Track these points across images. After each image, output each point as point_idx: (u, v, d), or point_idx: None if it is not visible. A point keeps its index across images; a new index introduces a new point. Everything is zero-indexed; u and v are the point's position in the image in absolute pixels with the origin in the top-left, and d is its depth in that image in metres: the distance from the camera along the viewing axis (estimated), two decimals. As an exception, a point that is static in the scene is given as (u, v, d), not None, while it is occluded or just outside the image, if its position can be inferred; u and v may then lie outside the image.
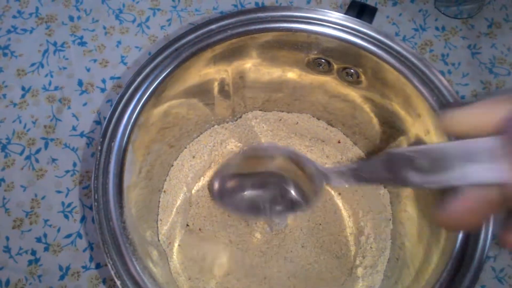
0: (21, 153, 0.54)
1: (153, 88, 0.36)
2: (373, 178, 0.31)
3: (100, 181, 0.33)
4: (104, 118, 0.55)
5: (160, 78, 0.36)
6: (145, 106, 0.35)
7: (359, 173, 0.32)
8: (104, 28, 0.60)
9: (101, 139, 0.34)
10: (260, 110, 0.50)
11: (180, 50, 0.36)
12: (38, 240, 0.51)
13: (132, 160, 0.35)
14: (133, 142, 0.35)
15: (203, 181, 0.49)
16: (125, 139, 0.34)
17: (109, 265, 0.31)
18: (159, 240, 0.44)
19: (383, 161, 0.27)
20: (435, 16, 0.60)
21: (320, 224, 0.47)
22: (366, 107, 0.43)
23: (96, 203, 0.33)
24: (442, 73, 0.56)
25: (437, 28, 0.59)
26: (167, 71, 0.36)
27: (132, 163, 0.35)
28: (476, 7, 0.59)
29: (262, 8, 0.38)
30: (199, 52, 0.37)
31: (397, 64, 0.35)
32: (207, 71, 0.40)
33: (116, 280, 0.31)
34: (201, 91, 0.42)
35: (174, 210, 0.47)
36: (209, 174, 0.50)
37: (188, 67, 0.37)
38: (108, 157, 0.34)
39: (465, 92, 0.56)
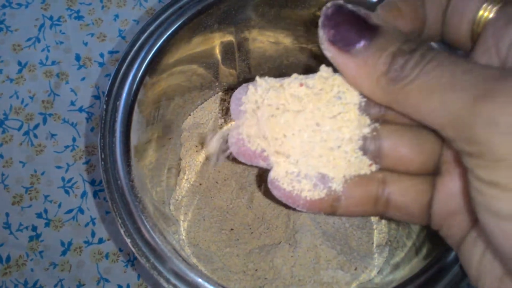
0: (19, 129, 0.53)
1: (158, 47, 0.35)
2: None
3: (107, 140, 0.32)
4: (103, 92, 0.54)
5: (165, 36, 0.35)
6: (150, 65, 0.34)
7: None
8: (101, 1, 0.58)
9: (106, 98, 0.33)
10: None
11: (184, 8, 0.35)
12: (39, 215, 0.50)
13: (138, 120, 0.34)
14: (139, 101, 0.34)
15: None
16: (131, 97, 0.33)
17: (118, 224, 0.30)
18: (170, 205, 0.43)
19: None
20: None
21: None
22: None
23: (103, 162, 0.32)
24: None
25: None
26: (172, 29, 0.35)
27: (138, 123, 0.34)
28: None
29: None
30: (205, 10, 0.36)
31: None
32: (211, 34, 0.39)
33: (126, 238, 0.30)
34: (205, 55, 0.41)
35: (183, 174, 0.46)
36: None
37: (193, 28, 0.36)
38: (114, 116, 0.33)
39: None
